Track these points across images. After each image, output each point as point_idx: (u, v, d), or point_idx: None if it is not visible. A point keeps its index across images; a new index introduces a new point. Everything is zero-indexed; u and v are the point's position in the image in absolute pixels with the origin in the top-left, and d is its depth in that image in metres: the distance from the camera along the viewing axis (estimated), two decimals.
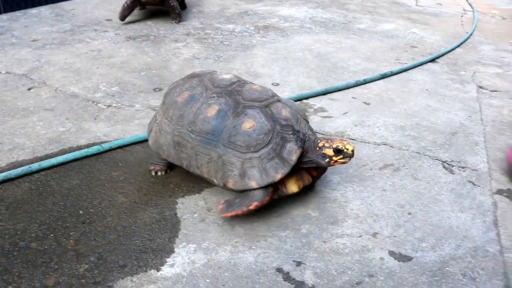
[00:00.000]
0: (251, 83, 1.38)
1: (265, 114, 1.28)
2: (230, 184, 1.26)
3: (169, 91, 1.41)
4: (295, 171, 1.29)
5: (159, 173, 1.47)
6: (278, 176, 1.23)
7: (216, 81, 1.36)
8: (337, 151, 1.25)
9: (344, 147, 1.25)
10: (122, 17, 2.80)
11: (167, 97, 1.39)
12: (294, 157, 1.25)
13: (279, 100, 1.34)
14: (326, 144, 1.26)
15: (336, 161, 1.27)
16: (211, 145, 1.27)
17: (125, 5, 2.78)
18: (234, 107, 1.29)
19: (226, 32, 2.80)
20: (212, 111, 1.28)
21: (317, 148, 1.27)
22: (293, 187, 1.31)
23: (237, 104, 1.29)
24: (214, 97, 1.31)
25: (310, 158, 1.29)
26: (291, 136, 1.28)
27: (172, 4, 2.85)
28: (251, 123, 1.25)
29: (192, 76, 1.43)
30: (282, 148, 1.26)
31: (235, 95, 1.31)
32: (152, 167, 1.47)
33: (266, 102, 1.31)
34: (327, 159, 1.27)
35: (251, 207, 1.23)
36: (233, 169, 1.25)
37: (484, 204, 1.44)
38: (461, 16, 3.66)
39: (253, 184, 1.23)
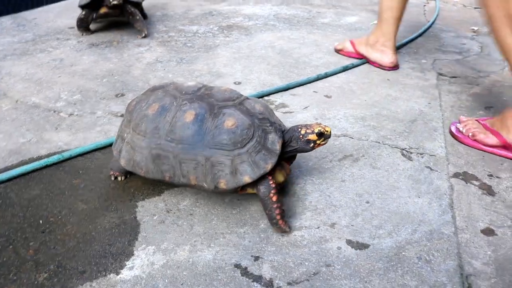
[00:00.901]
0: (217, 86, 1.40)
1: (242, 110, 1.30)
2: (222, 185, 1.25)
3: (133, 108, 1.38)
4: (278, 162, 1.31)
5: (119, 178, 1.47)
6: (269, 167, 1.26)
7: (183, 89, 1.36)
8: (320, 135, 1.31)
9: (324, 129, 1.31)
10: (84, 32, 2.78)
11: (134, 113, 1.36)
12: (278, 147, 1.29)
13: (247, 98, 1.37)
14: (308, 131, 1.31)
15: (319, 144, 1.33)
16: (196, 150, 1.26)
17: (77, 22, 2.76)
18: (210, 109, 1.29)
19: (190, 34, 2.81)
20: (189, 116, 1.27)
21: (301, 136, 1.31)
22: (279, 177, 1.34)
23: (212, 106, 1.30)
24: (186, 103, 1.31)
25: (294, 147, 1.33)
26: (270, 128, 1.31)
27: (130, 10, 2.73)
28: (232, 121, 1.26)
29: (154, 89, 1.42)
30: (266, 140, 1.28)
31: (207, 98, 1.32)
32: (111, 172, 1.47)
33: (238, 100, 1.34)
34: (312, 144, 1.32)
35: (274, 199, 1.26)
36: (223, 169, 1.25)
37: (440, 188, 1.48)
38: (424, 5, 3.72)
39: (246, 178, 1.24)
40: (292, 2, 3.61)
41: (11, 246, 1.22)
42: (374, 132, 1.77)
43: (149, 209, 1.35)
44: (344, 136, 1.74)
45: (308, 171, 1.54)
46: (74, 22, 2.92)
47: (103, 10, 2.72)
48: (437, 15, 3.41)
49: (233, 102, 1.32)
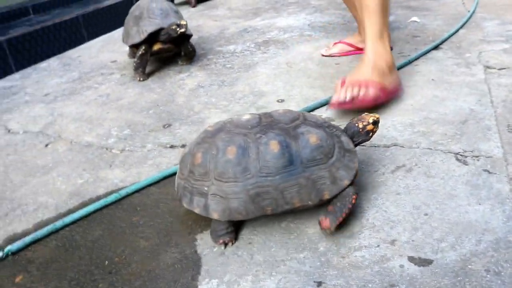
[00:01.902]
0: (273, 111, 1.43)
1: (312, 125, 1.36)
2: (326, 196, 1.32)
3: (202, 160, 1.34)
4: None
5: (229, 244, 1.36)
6: (356, 165, 1.37)
7: (244, 123, 1.36)
8: (374, 123, 1.43)
9: (375, 117, 1.43)
10: (141, 77, 2.64)
11: (209, 164, 1.32)
12: (352, 145, 1.41)
13: (304, 113, 1.44)
14: (364, 123, 1.43)
15: (374, 132, 1.46)
16: (295, 175, 1.30)
17: (135, 64, 2.61)
18: (286, 133, 1.33)
19: (228, 54, 2.85)
20: (274, 147, 1.29)
21: (360, 130, 1.43)
22: None
23: (286, 130, 1.33)
24: (261, 136, 1.32)
25: (357, 141, 1.45)
26: (337, 131, 1.41)
27: (192, 48, 2.70)
28: (315, 137, 1.32)
29: (211, 134, 1.38)
30: (342, 143, 1.38)
31: (276, 125, 1.35)
32: (220, 241, 1.36)
33: (302, 117, 1.39)
34: (370, 134, 1.44)
35: (353, 202, 1.33)
36: (324, 181, 1.32)
37: (502, 192, 1.43)
38: None
39: (346, 182, 1.33)
40: (326, 8, 3.60)
41: None
42: (425, 138, 1.73)
43: (208, 241, 1.38)
44: (394, 145, 1.71)
45: (362, 186, 1.52)
46: (116, 56, 3.02)
47: (157, 47, 2.62)
48: (477, 3, 3.30)
49: (300, 120, 1.38)
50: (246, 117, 1.39)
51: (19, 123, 2.31)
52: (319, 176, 1.31)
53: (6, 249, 1.44)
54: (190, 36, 2.70)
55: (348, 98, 1.87)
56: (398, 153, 1.67)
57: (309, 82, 2.32)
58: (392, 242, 1.29)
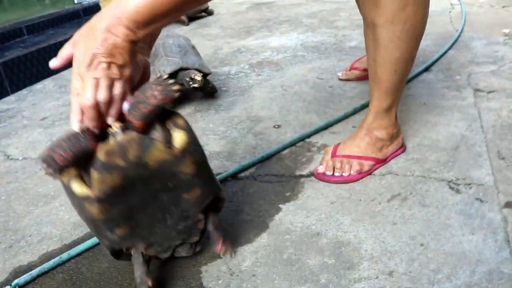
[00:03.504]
0: None
1: None
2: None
3: None
4: None
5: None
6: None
7: None
8: None
9: None
10: None
11: None
12: None
13: None
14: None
15: None
16: None
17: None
18: None
19: (223, 76, 2.89)
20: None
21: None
22: None
23: None
24: None
25: None
26: None
27: (210, 84, 2.50)
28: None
29: None
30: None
31: None
32: None
33: None
34: None
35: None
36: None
37: (494, 222, 1.49)
38: (449, 12, 3.71)
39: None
40: (317, 27, 3.66)
41: None
42: (419, 166, 1.79)
43: (213, 274, 1.42)
44: (389, 173, 1.77)
45: (359, 216, 1.57)
46: None
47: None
48: (464, 22, 3.39)
49: None
50: None
51: (18, 148, 2.33)
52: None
53: (13, 283, 1.47)
54: (208, 74, 2.46)
55: (331, 173, 1.74)
56: (393, 181, 1.72)
57: (304, 106, 2.38)
58: (390, 274, 1.34)
